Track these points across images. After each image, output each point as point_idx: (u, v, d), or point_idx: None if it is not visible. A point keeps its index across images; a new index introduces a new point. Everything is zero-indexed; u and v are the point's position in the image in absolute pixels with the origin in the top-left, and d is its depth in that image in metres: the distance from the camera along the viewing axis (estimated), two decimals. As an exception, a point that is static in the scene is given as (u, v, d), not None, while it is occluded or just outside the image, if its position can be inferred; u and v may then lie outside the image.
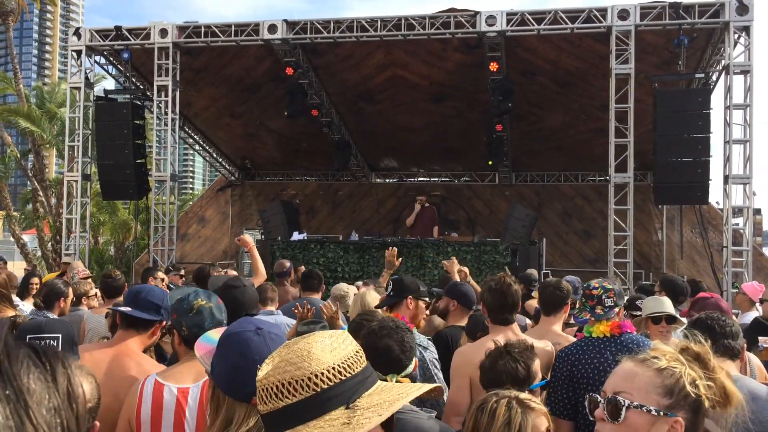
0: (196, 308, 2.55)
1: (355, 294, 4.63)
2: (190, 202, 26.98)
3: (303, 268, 8.44)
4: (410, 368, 2.39)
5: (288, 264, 6.76)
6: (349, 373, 1.15)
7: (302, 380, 1.12)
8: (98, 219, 22.24)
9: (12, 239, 24.97)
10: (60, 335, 2.42)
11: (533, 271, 8.04)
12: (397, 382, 2.24)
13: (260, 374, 1.18)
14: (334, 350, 1.17)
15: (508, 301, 3.47)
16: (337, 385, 1.13)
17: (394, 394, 1.17)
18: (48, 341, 2.40)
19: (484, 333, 3.82)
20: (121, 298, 5.47)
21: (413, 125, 15.71)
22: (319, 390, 1.12)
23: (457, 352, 3.59)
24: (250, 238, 5.56)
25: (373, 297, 4.19)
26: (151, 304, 2.90)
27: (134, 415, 2.44)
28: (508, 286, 3.47)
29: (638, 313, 4.89)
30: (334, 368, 1.14)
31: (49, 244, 22.12)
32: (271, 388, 1.14)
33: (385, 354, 2.32)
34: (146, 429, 2.42)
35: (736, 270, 10.94)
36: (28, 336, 2.41)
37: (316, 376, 1.12)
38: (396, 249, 5.52)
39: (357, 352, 1.20)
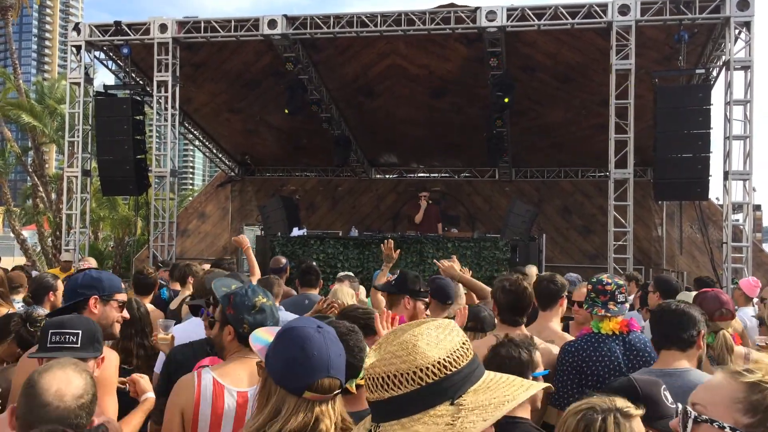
0: (259, 306, 2.47)
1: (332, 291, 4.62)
2: (190, 197, 26.99)
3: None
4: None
5: (284, 261, 6.71)
6: (455, 367, 1.15)
7: (407, 374, 1.13)
8: (98, 215, 22.22)
9: (12, 235, 24.98)
10: (80, 331, 2.43)
11: (533, 267, 8.02)
12: (357, 386, 2.21)
13: (367, 363, 1.20)
14: (440, 343, 1.16)
15: (522, 303, 3.48)
16: (442, 380, 1.13)
17: (500, 395, 1.15)
18: (68, 337, 2.41)
19: (474, 326, 3.82)
20: (150, 296, 5.48)
21: (413, 120, 15.69)
22: (423, 384, 1.12)
23: None
24: (245, 239, 5.54)
25: (345, 292, 4.18)
26: (67, 292, 3.04)
27: (191, 410, 2.32)
28: (523, 289, 3.49)
29: None
30: (439, 362, 1.14)
31: (49, 240, 22.14)
32: (377, 379, 1.16)
33: None
34: (204, 429, 2.32)
35: (735, 266, 10.94)
36: (50, 331, 2.43)
37: (421, 370, 1.13)
38: (392, 241, 5.47)
39: (463, 344, 1.19)
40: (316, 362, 1.65)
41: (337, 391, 1.69)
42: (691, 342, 2.79)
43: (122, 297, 3.09)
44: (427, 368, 1.13)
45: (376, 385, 1.16)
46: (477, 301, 4.82)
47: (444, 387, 1.13)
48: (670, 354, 2.80)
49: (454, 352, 1.16)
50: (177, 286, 6.11)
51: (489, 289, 4.57)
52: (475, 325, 3.81)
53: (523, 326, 3.52)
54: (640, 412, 1.92)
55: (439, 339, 1.17)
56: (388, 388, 1.14)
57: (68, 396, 1.77)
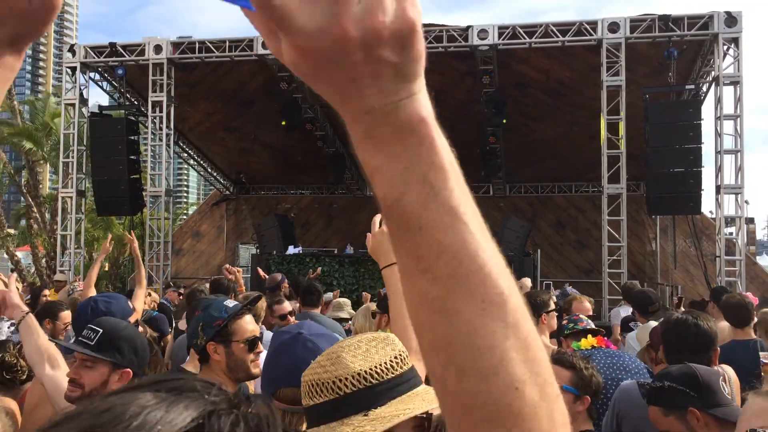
0: None
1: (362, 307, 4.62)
2: (184, 215, 26.95)
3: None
4: None
5: (279, 277, 6.79)
6: (376, 379, 1.16)
7: (327, 383, 1.16)
8: (92, 235, 22.16)
9: (6, 256, 24.87)
10: (101, 330, 2.30)
11: (527, 280, 8.04)
12: None
13: (306, 370, 1.23)
14: (367, 355, 1.18)
15: None
16: (360, 391, 1.15)
17: (403, 408, 1.15)
18: (89, 333, 2.30)
19: None
20: None
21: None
22: (341, 394, 1.15)
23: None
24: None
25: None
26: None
27: None
28: None
29: None
30: (359, 374, 1.16)
31: (43, 261, 22.04)
32: (305, 386, 1.20)
33: None
34: None
35: (729, 279, 10.98)
36: (86, 325, 2.38)
37: (340, 380, 1.16)
38: None
39: (396, 357, 1.20)
40: (282, 370, 1.61)
41: None
42: (708, 363, 2.72)
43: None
44: (345, 379, 1.15)
45: (305, 392, 1.20)
46: None
47: (360, 398, 1.15)
48: None
49: (381, 364, 1.17)
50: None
51: None
52: None
53: None
54: None
55: (369, 351, 1.19)
56: (313, 396, 1.18)
57: None
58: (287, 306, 4.73)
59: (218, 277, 6.63)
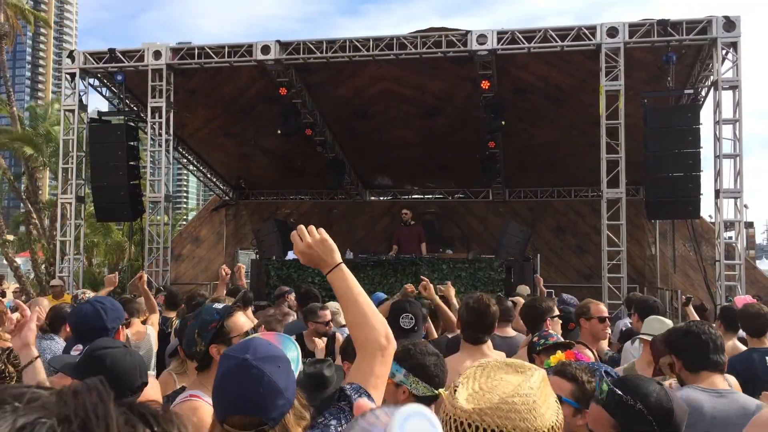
0: None
1: None
2: (183, 221, 26.95)
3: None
4: None
5: (286, 288, 6.99)
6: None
7: None
8: (92, 241, 22.17)
9: (5, 262, 24.86)
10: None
11: (525, 288, 8.03)
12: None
13: (467, 404, 1.11)
14: (556, 409, 1.13)
15: (484, 321, 3.44)
16: None
17: None
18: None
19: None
20: None
21: (406, 142, 15.79)
22: None
23: None
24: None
25: None
26: (96, 331, 2.93)
27: None
28: (486, 307, 3.45)
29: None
30: (552, 428, 1.11)
31: (43, 267, 22.03)
32: (487, 429, 1.09)
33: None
34: None
35: (729, 284, 10.99)
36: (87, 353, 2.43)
37: None
38: (414, 288, 5.29)
39: (559, 410, 1.15)
40: (231, 399, 1.57)
41: (260, 427, 1.54)
42: (723, 368, 2.81)
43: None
44: None
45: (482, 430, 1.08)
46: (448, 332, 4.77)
47: None
48: (713, 375, 2.78)
49: (559, 419, 1.13)
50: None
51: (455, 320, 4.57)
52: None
53: (487, 345, 3.48)
54: None
55: (553, 405, 1.13)
56: None
57: None
58: (329, 314, 4.81)
59: (235, 287, 6.69)
